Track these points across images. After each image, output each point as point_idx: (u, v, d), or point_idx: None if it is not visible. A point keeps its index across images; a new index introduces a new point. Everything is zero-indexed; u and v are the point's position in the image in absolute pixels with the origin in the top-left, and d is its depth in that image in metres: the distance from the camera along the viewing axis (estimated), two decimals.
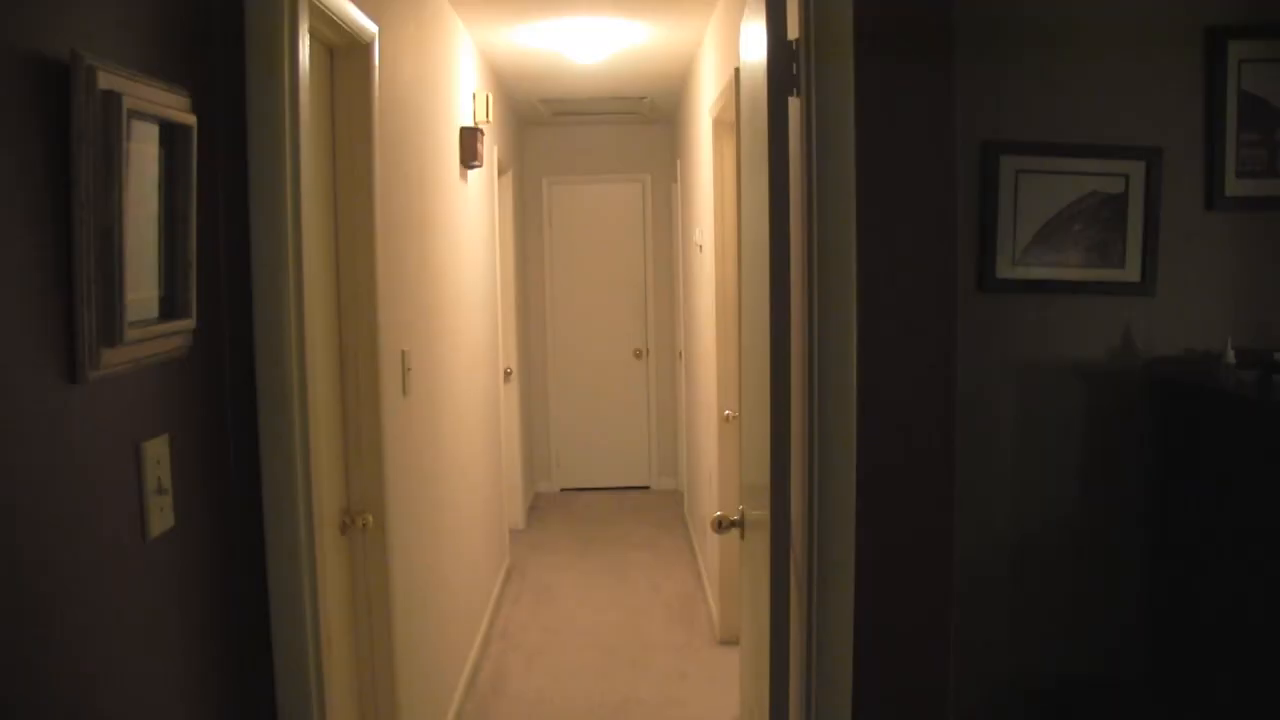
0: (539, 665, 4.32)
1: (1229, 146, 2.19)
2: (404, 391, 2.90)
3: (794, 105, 1.76)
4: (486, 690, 4.08)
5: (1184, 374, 2.20)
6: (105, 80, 1.16)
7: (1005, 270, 2.19)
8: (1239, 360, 2.11)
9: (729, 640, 4.04)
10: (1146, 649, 2.27)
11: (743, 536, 2.26)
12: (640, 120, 7.24)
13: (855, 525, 1.72)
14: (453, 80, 4.02)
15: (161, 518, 1.36)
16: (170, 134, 1.34)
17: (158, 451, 1.35)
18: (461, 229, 4.15)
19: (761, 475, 1.89)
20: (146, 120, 1.27)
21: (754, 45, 1.97)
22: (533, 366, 7.36)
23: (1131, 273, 2.21)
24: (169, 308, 1.37)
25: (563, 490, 7.55)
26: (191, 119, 1.37)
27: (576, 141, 7.31)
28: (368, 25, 2.47)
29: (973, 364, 2.13)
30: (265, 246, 1.64)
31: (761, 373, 1.88)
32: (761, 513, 1.92)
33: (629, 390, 7.53)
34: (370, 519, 2.55)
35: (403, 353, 2.90)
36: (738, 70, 2.86)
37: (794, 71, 1.75)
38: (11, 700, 1.04)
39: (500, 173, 5.62)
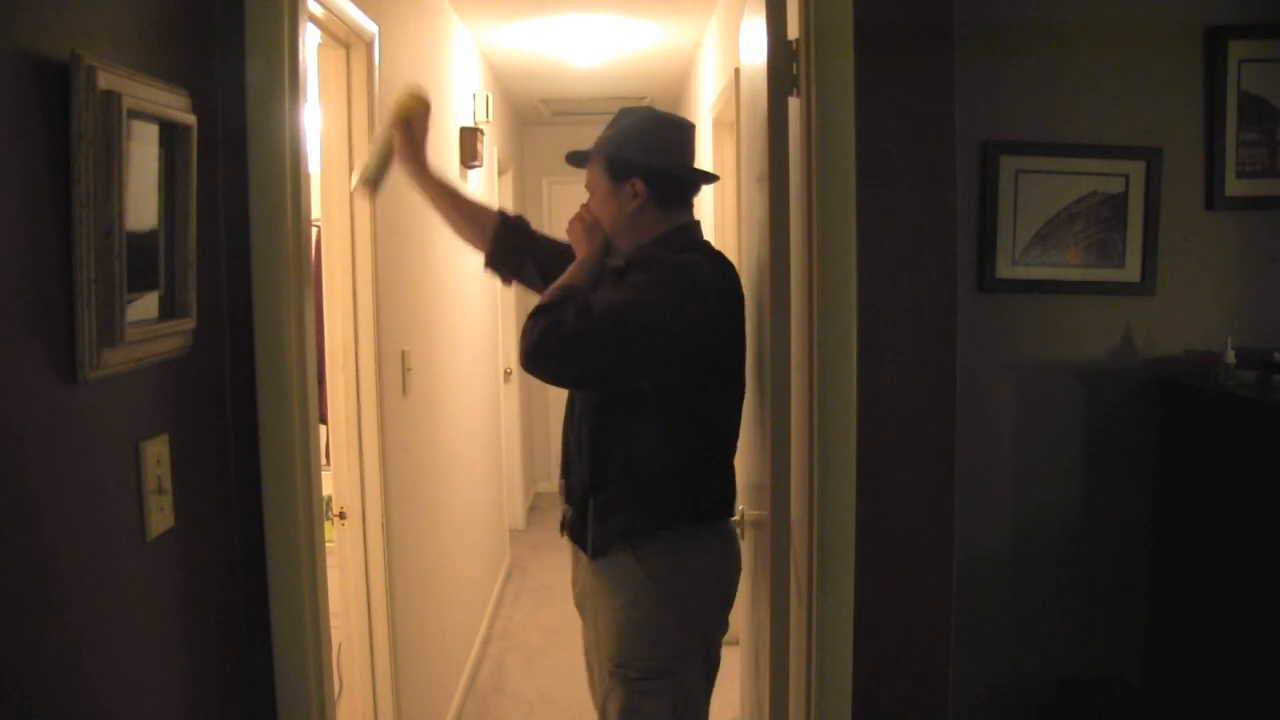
0: (539, 665, 4.32)
1: (1229, 146, 2.19)
2: (404, 391, 2.90)
3: (794, 105, 1.76)
4: (486, 690, 4.08)
5: (1184, 374, 2.20)
6: (105, 80, 1.16)
7: (1005, 270, 2.19)
8: (1239, 360, 2.11)
9: (729, 640, 4.03)
10: (1146, 649, 2.27)
11: (743, 536, 2.26)
12: None
13: (855, 525, 1.72)
14: (453, 80, 4.02)
15: (161, 518, 1.36)
16: (170, 134, 1.34)
17: (158, 451, 1.35)
18: None
19: (761, 475, 1.89)
20: (146, 120, 1.27)
21: (754, 45, 1.97)
22: None
23: (1131, 273, 2.21)
24: (169, 308, 1.36)
25: None
26: (191, 119, 1.37)
27: (577, 141, 7.25)
28: (368, 25, 2.47)
29: (973, 364, 2.13)
30: (265, 246, 1.64)
31: (761, 373, 1.88)
32: (761, 513, 1.92)
33: None
34: (369, 517, 2.56)
35: (403, 353, 2.90)
36: (738, 70, 2.86)
37: (794, 71, 1.75)
38: (10, 701, 1.04)
39: (500, 173, 5.62)
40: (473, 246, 2.43)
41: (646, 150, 2.09)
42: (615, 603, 2.04)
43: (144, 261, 1.29)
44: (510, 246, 2.37)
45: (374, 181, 2.21)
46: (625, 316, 1.91)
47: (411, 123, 2.20)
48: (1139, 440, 2.24)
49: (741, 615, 3.00)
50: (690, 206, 2.18)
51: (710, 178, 2.23)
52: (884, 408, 1.74)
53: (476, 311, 4.58)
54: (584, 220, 2.13)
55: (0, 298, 1.04)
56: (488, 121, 4.59)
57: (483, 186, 4.87)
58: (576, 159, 2.22)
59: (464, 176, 4.21)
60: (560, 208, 7.33)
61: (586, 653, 2.29)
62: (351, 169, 2.49)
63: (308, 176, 1.74)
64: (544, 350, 1.89)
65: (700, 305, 1.98)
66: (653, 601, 2.01)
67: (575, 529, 2.13)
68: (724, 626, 2.17)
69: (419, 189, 2.33)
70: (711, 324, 2.00)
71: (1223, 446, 2.05)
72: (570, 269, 2.07)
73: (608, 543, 2.04)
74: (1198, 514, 2.11)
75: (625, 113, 2.17)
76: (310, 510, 1.72)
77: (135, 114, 1.22)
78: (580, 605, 2.22)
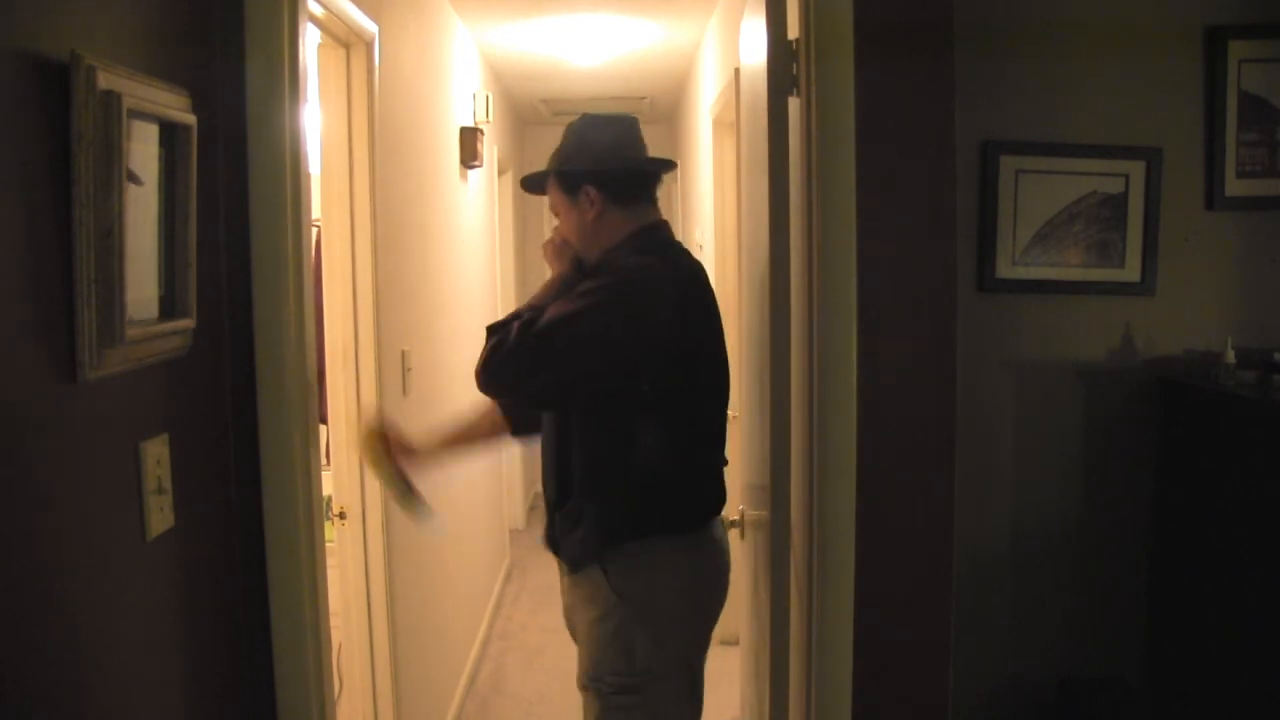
0: (539, 665, 4.32)
1: (1229, 146, 2.19)
2: (404, 391, 2.90)
3: (794, 105, 1.76)
4: (486, 690, 4.08)
5: (1184, 374, 2.20)
6: (105, 80, 1.16)
7: (1005, 270, 2.19)
8: (1239, 360, 2.11)
9: (729, 640, 4.04)
10: (1146, 649, 2.27)
11: (743, 536, 2.26)
12: (640, 120, 7.23)
13: (855, 525, 1.72)
14: (453, 80, 4.02)
15: (161, 518, 1.36)
16: (170, 134, 1.34)
17: (158, 451, 1.35)
18: (461, 229, 4.15)
19: (761, 475, 1.89)
20: (146, 120, 1.27)
21: (754, 45, 1.97)
22: None
23: (1131, 273, 2.21)
24: (169, 308, 1.36)
25: None
26: (191, 119, 1.37)
27: None
28: (368, 25, 2.46)
29: (973, 364, 2.13)
30: (265, 246, 1.64)
31: (761, 373, 1.88)
32: (761, 513, 1.92)
33: None
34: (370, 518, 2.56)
35: (403, 353, 2.90)
36: (738, 70, 2.86)
37: (794, 71, 1.75)
38: (10, 700, 1.04)
39: (500, 173, 5.62)
40: (499, 440, 2.32)
41: (589, 154, 2.08)
42: (589, 615, 2.01)
43: (144, 261, 1.29)
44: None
45: (416, 505, 2.18)
46: (561, 329, 1.88)
47: (385, 443, 2.15)
48: (1139, 440, 2.24)
49: (741, 615, 3.00)
50: (653, 202, 2.13)
51: (665, 164, 2.17)
52: (884, 408, 1.74)
53: (476, 311, 4.58)
54: (554, 243, 2.14)
55: (0, 298, 1.04)
56: (488, 121, 4.59)
57: (483, 186, 4.87)
58: (533, 184, 2.21)
59: (464, 177, 4.21)
60: None
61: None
62: (352, 170, 2.48)
63: (308, 176, 1.74)
64: (490, 368, 1.91)
65: (643, 309, 1.92)
66: (621, 618, 1.96)
67: (552, 542, 2.13)
68: (706, 645, 2.09)
69: (440, 463, 2.28)
70: (659, 327, 1.93)
71: (1223, 446, 2.05)
72: (538, 290, 2.07)
73: (577, 556, 2.01)
74: (1198, 514, 2.11)
75: (566, 129, 2.16)
76: (310, 510, 1.72)
77: (135, 114, 1.22)
78: (567, 619, 2.19)
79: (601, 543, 1.97)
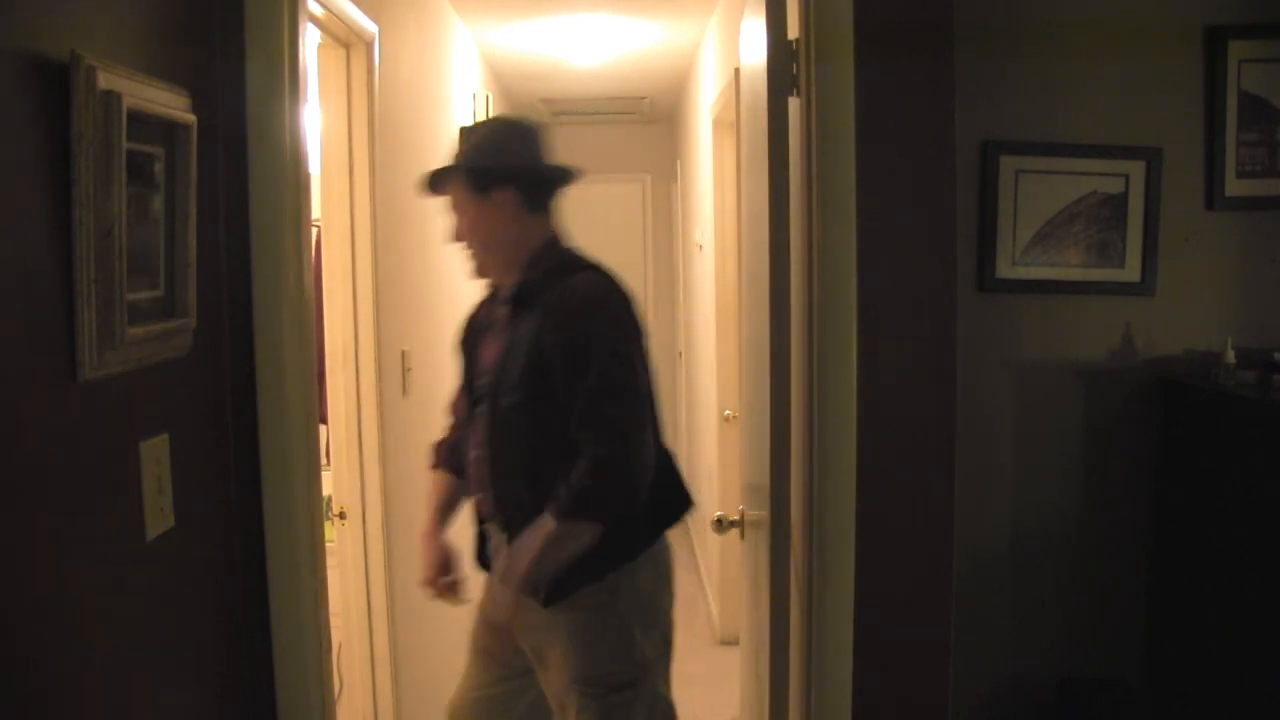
0: None
1: (1229, 146, 2.19)
2: (404, 391, 2.90)
3: (794, 105, 1.76)
4: None
5: (1184, 374, 2.20)
6: (105, 80, 1.16)
7: (1005, 270, 2.19)
8: (1239, 360, 2.11)
9: (729, 640, 4.04)
10: (1146, 649, 2.27)
11: (743, 536, 2.26)
12: (640, 120, 7.23)
13: (855, 525, 1.72)
14: (453, 80, 4.02)
15: (161, 518, 1.35)
16: (170, 134, 1.34)
17: (157, 451, 1.35)
18: None
19: (761, 475, 1.89)
20: (146, 120, 1.27)
21: (754, 45, 1.97)
22: None
23: (1131, 273, 2.21)
24: (169, 308, 1.36)
25: None
26: (191, 119, 1.37)
27: (576, 141, 7.27)
28: (368, 25, 2.47)
29: (973, 364, 2.13)
30: (265, 246, 1.64)
31: (761, 373, 1.88)
32: (761, 513, 1.92)
33: None
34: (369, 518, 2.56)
35: (403, 353, 2.90)
36: (738, 70, 2.86)
37: (794, 71, 1.75)
38: (10, 700, 1.04)
39: None
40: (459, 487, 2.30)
41: (506, 154, 2.01)
42: (574, 623, 1.94)
43: (144, 261, 1.29)
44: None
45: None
46: (627, 378, 1.90)
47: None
48: (1139, 440, 2.24)
49: (742, 615, 3.00)
50: (555, 212, 2.08)
51: (571, 175, 2.10)
52: (884, 408, 1.74)
53: None
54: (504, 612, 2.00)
55: (0, 298, 1.04)
56: None
57: None
58: (435, 182, 2.07)
59: None
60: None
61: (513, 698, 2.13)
62: (352, 170, 2.48)
63: (308, 176, 1.74)
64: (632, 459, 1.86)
65: (636, 321, 1.98)
66: (615, 615, 1.93)
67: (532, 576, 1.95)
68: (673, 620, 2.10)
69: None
70: (640, 333, 1.99)
71: (1223, 446, 2.05)
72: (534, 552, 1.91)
73: (574, 584, 1.91)
74: (1198, 514, 2.11)
75: (472, 130, 2.08)
76: (310, 510, 1.72)
77: (135, 114, 1.22)
78: (530, 637, 2.04)
79: (619, 560, 1.93)
